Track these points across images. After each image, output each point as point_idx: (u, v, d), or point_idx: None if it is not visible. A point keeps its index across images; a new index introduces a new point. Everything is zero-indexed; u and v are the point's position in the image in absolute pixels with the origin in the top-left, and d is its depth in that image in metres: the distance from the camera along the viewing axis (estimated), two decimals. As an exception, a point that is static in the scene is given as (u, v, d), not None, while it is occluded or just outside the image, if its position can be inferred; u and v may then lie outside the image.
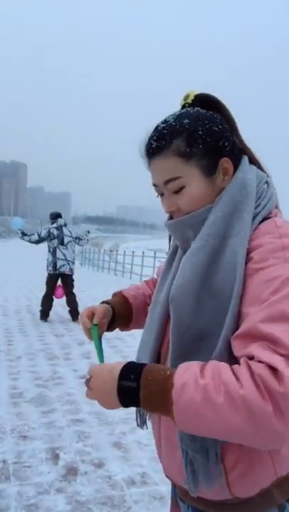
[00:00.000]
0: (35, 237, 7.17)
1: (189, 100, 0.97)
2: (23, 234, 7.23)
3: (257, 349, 0.72)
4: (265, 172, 0.99)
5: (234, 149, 0.95)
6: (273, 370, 0.69)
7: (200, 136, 0.91)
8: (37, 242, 7.20)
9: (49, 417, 3.48)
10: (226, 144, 0.93)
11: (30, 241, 7.21)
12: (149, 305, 1.11)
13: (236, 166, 0.95)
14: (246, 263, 0.84)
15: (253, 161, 0.98)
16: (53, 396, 3.93)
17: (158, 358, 1.00)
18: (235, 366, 0.74)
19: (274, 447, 0.76)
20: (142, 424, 1.12)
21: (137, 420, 1.13)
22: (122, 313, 1.20)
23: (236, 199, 0.91)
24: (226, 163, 0.93)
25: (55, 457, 2.86)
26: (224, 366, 0.75)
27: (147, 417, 1.12)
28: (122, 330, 1.25)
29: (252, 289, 0.81)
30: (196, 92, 0.97)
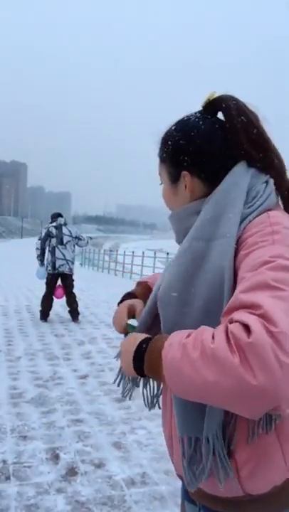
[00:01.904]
0: (38, 250, 7.15)
1: (203, 104, 1.02)
2: (41, 262, 7.19)
3: (236, 314, 0.74)
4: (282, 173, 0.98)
5: (204, 163, 0.97)
6: (246, 326, 0.70)
7: (168, 146, 1.02)
8: (42, 249, 7.13)
9: (49, 417, 3.48)
10: (188, 158, 0.98)
11: (40, 257, 7.13)
12: None
13: (216, 177, 0.96)
14: (237, 254, 0.86)
15: (271, 165, 0.97)
16: (53, 396, 3.93)
17: None
18: (217, 327, 0.76)
19: (263, 408, 0.71)
20: (149, 404, 1.15)
21: (144, 402, 1.16)
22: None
23: (222, 202, 0.93)
24: (186, 176, 0.99)
25: (55, 457, 2.85)
26: (208, 329, 0.77)
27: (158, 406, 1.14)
28: None
29: (240, 272, 0.83)
30: (215, 95, 1.00)
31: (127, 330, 1.11)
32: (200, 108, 1.03)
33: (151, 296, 1.07)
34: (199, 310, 0.89)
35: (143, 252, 16.16)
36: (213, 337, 0.73)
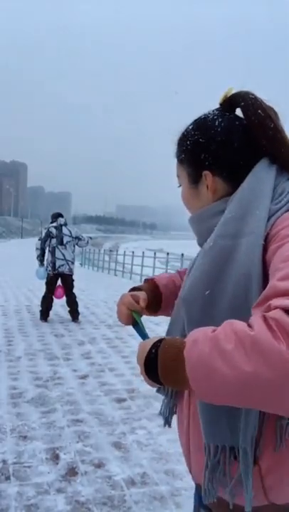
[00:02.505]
0: (38, 251, 7.15)
1: (221, 101, 0.99)
2: (41, 263, 7.19)
3: (274, 301, 0.68)
4: None
5: (226, 162, 0.95)
6: (288, 311, 0.65)
7: (187, 146, 0.99)
8: (42, 249, 7.13)
9: (49, 417, 3.48)
10: (209, 157, 0.95)
11: (40, 258, 7.14)
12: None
13: (239, 175, 0.94)
14: (267, 249, 0.83)
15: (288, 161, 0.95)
16: (53, 396, 3.92)
17: None
18: (250, 319, 0.70)
19: None
20: (166, 422, 1.12)
21: (163, 417, 1.13)
22: (151, 300, 1.18)
23: (247, 199, 0.90)
24: (208, 176, 0.96)
25: (55, 457, 2.85)
26: (236, 321, 0.70)
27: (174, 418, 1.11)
28: (149, 315, 1.24)
29: (273, 264, 0.80)
30: (233, 91, 0.98)
31: (133, 319, 1.08)
32: (216, 106, 1.00)
33: (179, 301, 1.03)
34: (225, 309, 0.86)
35: (143, 252, 16.15)
36: (249, 326, 0.67)
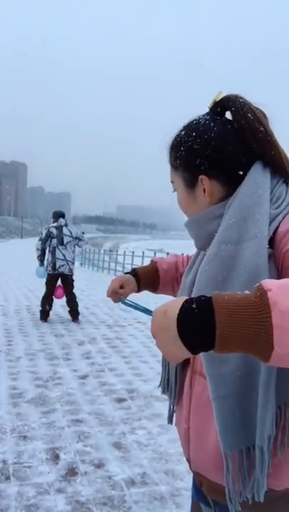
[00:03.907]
0: (39, 251, 7.15)
1: (210, 105, 1.00)
2: (41, 262, 7.20)
3: None
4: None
5: (222, 166, 0.95)
6: None
7: (181, 152, 1.00)
8: (42, 249, 7.13)
9: (49, 417, 3.48)
10: (205, 162, 0.96)
11: (40, 258, 7.13)
12: (179, 279, 1.27)
13: (235, 178, 0.95)
14: (274, 252, 0.86)
15: (279, 165, 0.96)
16: (53, 396, 3.92)
17: None
18: None
19: None
20: (170, 419, 1.16)
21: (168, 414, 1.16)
22: (148, 282, 1.36)
23: (246, 203, 0.91)
24: (204, 181, 0.97)
25: (55, 457, 2.85)
26: None
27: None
28: (150, 292, 1.40)
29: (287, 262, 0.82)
30: (222, 95, 0.99)
31: (121, 301, 1.23)
32: (206, 110, 1.01)
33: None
34: None
35: (143, 252, 16.16)
36: None
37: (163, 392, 1.15)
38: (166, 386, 1.14)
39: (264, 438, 0.87)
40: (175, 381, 1.10)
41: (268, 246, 0.86)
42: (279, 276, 0.84)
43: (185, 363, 1.06)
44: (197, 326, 0.63)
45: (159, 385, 1.18)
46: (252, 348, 0.62)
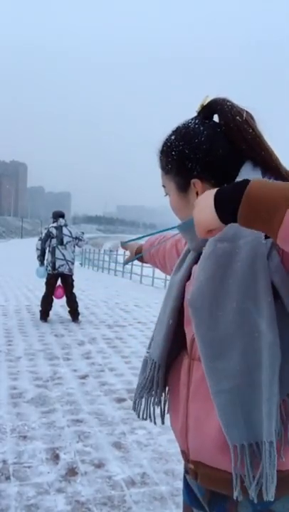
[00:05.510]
0: (39, 251, 7.16)
1: (198, 109, 1.01)
2: (41, 262, 7.21)
3: None
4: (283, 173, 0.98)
5: (213, 169, 0.96)
6: None
7: (172, 157, 1.00)
8: (42, 249, 7.14)
9: (49, 417, 3.48)
10: (196, 166, 0.97)
11: (40, 258, 7.15)
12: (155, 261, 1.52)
13: (227, 179, 0.94)
14: (272, 246, 0.85)
15: (270, 164, 0.97)
16: (53, 396, 3.93)
17: (169, 348, 1.09)
18: None
19: None
20: (161, 417, 1.15)
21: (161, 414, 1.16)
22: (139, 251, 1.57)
23: None
24: (197, 184, 0.98)
25: (55, 457, 2.86)
26: None
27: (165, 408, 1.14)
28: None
29: None
30: (209, 99, 0.99)
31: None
32: (194, 114, 1.01)
33: (168, 298, 1.10)
34: (233, 310, 0.88)
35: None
36: None
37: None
38: (149, 388, 1.13)
39: (271, 432, 0.87)
40: (158, 381, 1.12)
41: (264, 241, 0.85)
42: (282, 261, 0.85)
43: (181, 352, 1.08)
44: (227, 198, 0.74)
45: (136, 401, 1.17)
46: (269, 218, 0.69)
